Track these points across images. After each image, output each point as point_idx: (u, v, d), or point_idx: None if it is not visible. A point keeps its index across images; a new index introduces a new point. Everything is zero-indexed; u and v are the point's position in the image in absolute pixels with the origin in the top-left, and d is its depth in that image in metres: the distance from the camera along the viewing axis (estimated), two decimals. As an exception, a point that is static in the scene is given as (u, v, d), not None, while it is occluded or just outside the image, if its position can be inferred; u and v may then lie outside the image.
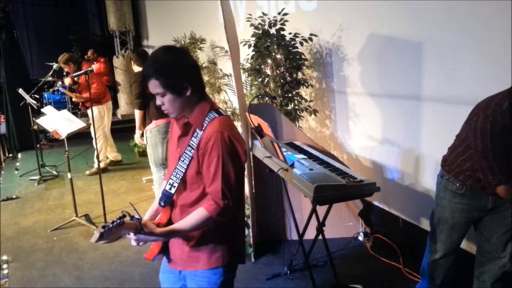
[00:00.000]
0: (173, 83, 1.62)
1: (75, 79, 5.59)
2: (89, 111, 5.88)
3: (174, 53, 1.67)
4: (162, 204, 1.78)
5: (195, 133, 1.69)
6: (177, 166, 1.73)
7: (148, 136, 4.29)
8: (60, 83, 4.20)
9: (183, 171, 1.70)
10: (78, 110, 8.81)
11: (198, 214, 1.65)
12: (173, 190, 1.74)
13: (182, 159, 1.71)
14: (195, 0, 6.66)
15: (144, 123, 4.28)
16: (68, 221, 4.37)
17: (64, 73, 8.57)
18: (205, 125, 1.67)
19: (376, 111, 3.63)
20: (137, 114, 4.19)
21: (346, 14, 3.75)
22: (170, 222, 1.78)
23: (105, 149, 6.19)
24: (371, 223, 3.82)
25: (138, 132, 4.32)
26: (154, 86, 1.62)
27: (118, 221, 1.45)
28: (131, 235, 1.60)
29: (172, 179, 1.74)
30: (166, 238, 1.69)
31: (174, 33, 6.21)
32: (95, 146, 6.08)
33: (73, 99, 6.23)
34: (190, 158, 1.68)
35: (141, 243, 1.64)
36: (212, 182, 1.64)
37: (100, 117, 5.91)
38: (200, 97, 1.71)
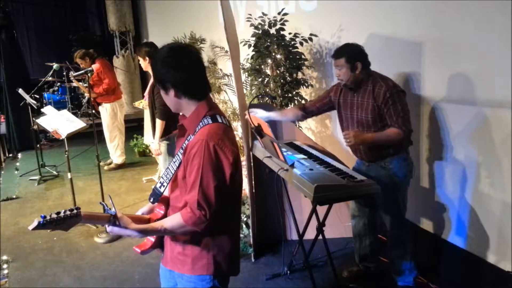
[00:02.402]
0: (159, 80, 1.65)
1: (83, 76, 5.56)
2: (101, 108, 5.91)
3: (172, 51, 1.63)
4: (151, 200, 1.78)
5: (189, 136, 1.67)
6: (168, 166, 1.73)
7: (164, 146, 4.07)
8: (72, 73, 4.11)
9: (173, 172, 1.70)
10: (78, 110, 8.80)
11: (174, 219, 1.61)
12: (162, 189, 1.74)
13: (174, 160, 1.70)
14: (195, 0, 6.66)
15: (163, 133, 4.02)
16: (68, 221, 4.36)
17: (63, 72, 8.64)
18: (197, 129, 1.63)
19: (376, 111, 3.62)
20: (159, 123, 3.94)
21: (346, 14, 3.75)
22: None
23: (122, 144, 6.22)
24: (371, 223, 3.81)
25: (156, 143, 4.04)
26: None
27: (69, 213, 1.45)
28: (105, 226, 1.58)
29: (162, 178, 1.74)
30: (141, 235, 1.63)
31: (174, 33, 6.21)
32: (107, 142, 6.10)
33: (85, 94, 6.14)
34: (180, 161, 1.66)
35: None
36: (190, 190, 1.58)
37: (114, 114, 5.94)
38: (198, 99, 1.66)
